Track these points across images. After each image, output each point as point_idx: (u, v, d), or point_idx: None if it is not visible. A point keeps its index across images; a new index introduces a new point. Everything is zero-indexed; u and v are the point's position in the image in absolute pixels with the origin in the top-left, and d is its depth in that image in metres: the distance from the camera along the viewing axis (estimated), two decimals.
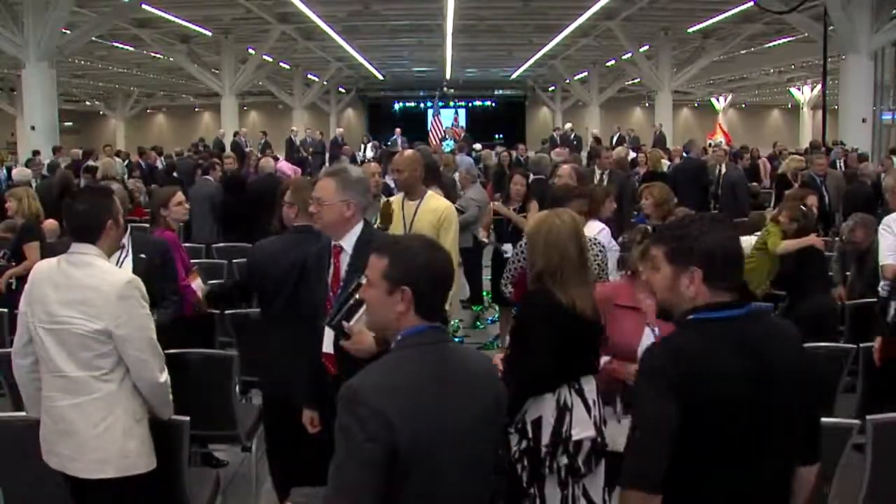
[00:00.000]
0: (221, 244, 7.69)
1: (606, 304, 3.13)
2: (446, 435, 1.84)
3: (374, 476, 1.77)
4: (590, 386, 3.02)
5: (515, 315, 3.30)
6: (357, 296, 2.46)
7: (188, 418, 3.05)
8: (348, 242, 2.98)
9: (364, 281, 2.11)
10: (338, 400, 1.82)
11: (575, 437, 2.92)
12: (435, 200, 4.69)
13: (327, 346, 2.94)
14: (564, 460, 2.91)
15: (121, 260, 3.67)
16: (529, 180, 7.75)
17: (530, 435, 2.95)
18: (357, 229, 3.00)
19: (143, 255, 3.71)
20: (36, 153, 13.26)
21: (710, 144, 16.92)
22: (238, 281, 4.24)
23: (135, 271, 3.42)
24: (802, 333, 2.10)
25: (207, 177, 9.27)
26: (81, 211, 2.81)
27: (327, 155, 19.00)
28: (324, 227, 3.05)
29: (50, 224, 6.26)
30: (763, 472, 1.91)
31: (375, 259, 2.00)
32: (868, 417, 3.12)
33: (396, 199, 4.77)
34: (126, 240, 3.74)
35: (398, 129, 21.11)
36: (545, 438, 2.92)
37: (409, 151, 5.25)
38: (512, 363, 3.01)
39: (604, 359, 3.10)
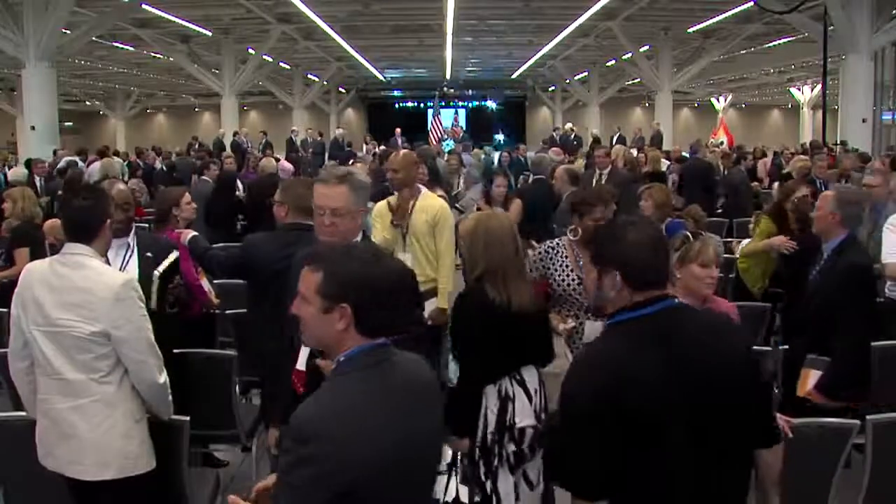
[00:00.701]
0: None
1: None
2: (402, 459, 1.72)
3: None
4: (531, 376, 3.09)
5: (452, 314, 3.32)
6: None
7: (188, 418, 3.05)
8: None
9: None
10: (281, 436, 1.72)
11: (518, 426, 3.00)
12: (429, 200, 4.68)
13: (301, 363, 2.66)
14: (512, 447, 2.99)
15: (126, 259, 3.64)
16: (530, 179, 7.76)
17: (479, 424, 3.03)
18: (357, 239, 2.81)
19: (149, 255, 3.70)
20: (57, 152, 13.29)
21: (710, 143, 16.93)
22: (222, 265, 4.16)
23: (141, 270, 3.41)
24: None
25: (205, 177, 9.26)
26: (81, 209, 2.79)
27: (326, 155, 18.97)
28: (341, 240, 2.74)
29: (51, 224, 6.21)
30: (708, 462, 1.90)
31: (308, 273, 1.80)
32: (868, 417, 3.12)
33: (391, 200, 4.76)
34: (131, 239, 3.71)
35: (398, 130, 21.05)
36: (490, 426, 3.00)
37: (404, 151, 5.24)
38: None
39: None
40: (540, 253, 3.72)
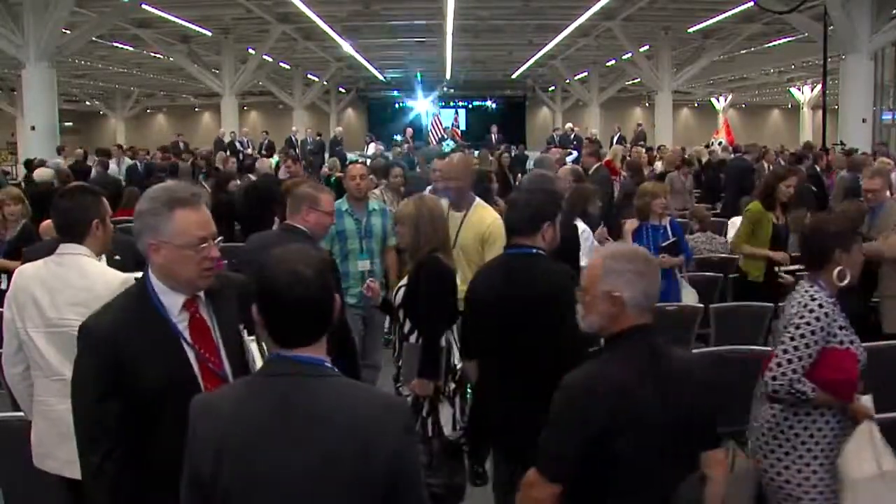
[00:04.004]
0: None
1: None
2: (263, 480, 1.65)
3: (193, 497, 1.71)
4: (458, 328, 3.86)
5: (423, 280, 3.57)
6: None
7: None
8: None
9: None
10: None
11: (458, 366, 3.55)
12: (481, 212, 4.39)
13: None
14: (452, 385, 3.53)
15: None
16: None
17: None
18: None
19: (117, 257, 3.70)
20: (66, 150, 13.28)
21: (710, 143, 16.95)
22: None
23: None
24: None
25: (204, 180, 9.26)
26: (65, 210, 2.80)
27: (326, 155, 18.99)
28: None
29: (46, 225, 6.19)
30: (520, 365, 2.92)
31: None
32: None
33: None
34: None
35: (409, 130, 20.67)
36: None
37: (458, 155, 4.79)
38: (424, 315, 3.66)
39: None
40: (817, 318, 2.72)
